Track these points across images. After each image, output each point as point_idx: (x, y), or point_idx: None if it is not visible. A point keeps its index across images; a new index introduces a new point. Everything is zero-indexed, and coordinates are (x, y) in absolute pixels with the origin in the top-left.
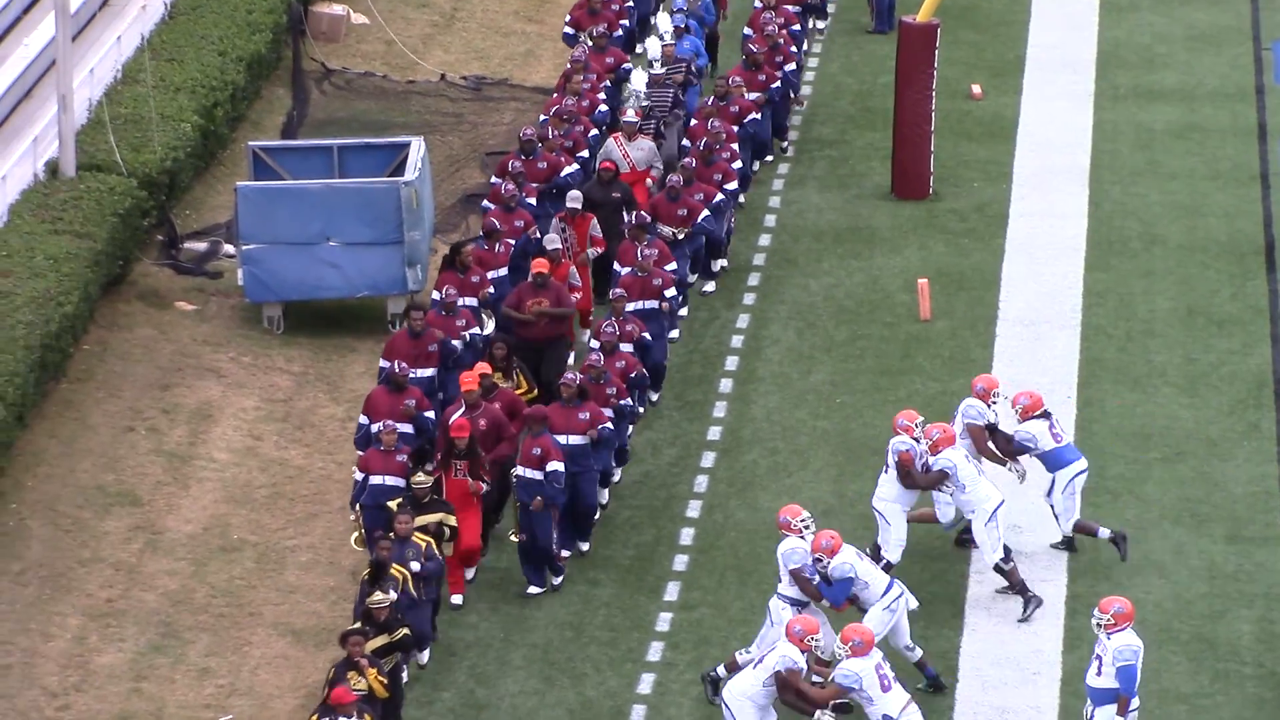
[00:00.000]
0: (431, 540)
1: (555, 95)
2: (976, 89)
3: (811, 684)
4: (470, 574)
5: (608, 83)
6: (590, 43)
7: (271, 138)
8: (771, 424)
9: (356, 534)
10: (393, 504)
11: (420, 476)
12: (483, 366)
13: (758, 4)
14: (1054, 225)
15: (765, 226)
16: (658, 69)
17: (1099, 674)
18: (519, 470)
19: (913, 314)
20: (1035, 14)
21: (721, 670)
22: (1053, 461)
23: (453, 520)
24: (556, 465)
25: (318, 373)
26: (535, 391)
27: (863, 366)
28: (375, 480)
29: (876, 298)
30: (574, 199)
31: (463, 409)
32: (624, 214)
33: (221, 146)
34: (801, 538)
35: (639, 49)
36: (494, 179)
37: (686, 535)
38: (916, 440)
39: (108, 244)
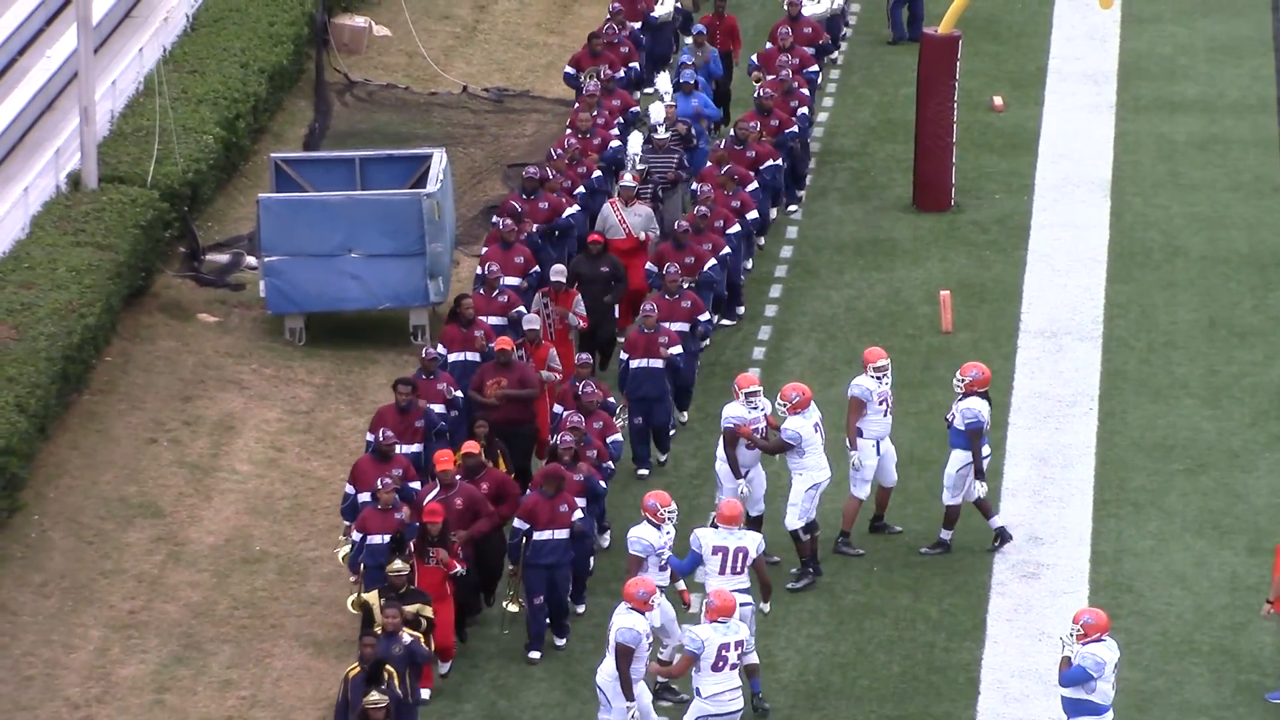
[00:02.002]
0: (420, 635)
1: (566, 134)
2: (998, 100)
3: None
4: (445, 668)
5: (620, 119)
6: (596, 82)
7: (293, 149)
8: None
9: (354, 597)
10: (372, 598)
11: (397, 564)
12: (470, 445)
13: (769, 45)
14: (1075, 237)
15: (787, 238)
16: (661, 133)
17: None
18: (542, 534)
19: (934, 326)
20: (1056, 26)
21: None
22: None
23: (429, 611)
24: (580, 514)
25: (339, 384)
26: (513, 474)
27: None
28: (374, 540)
29: (898, 310)
30: (558, 273)
31: (437, 489)
32: (613, 289)
33: (243, 158)
34: (658, 529)
35: (653, 89)
36: (494, 219)
37: None
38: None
39: (130, 255)
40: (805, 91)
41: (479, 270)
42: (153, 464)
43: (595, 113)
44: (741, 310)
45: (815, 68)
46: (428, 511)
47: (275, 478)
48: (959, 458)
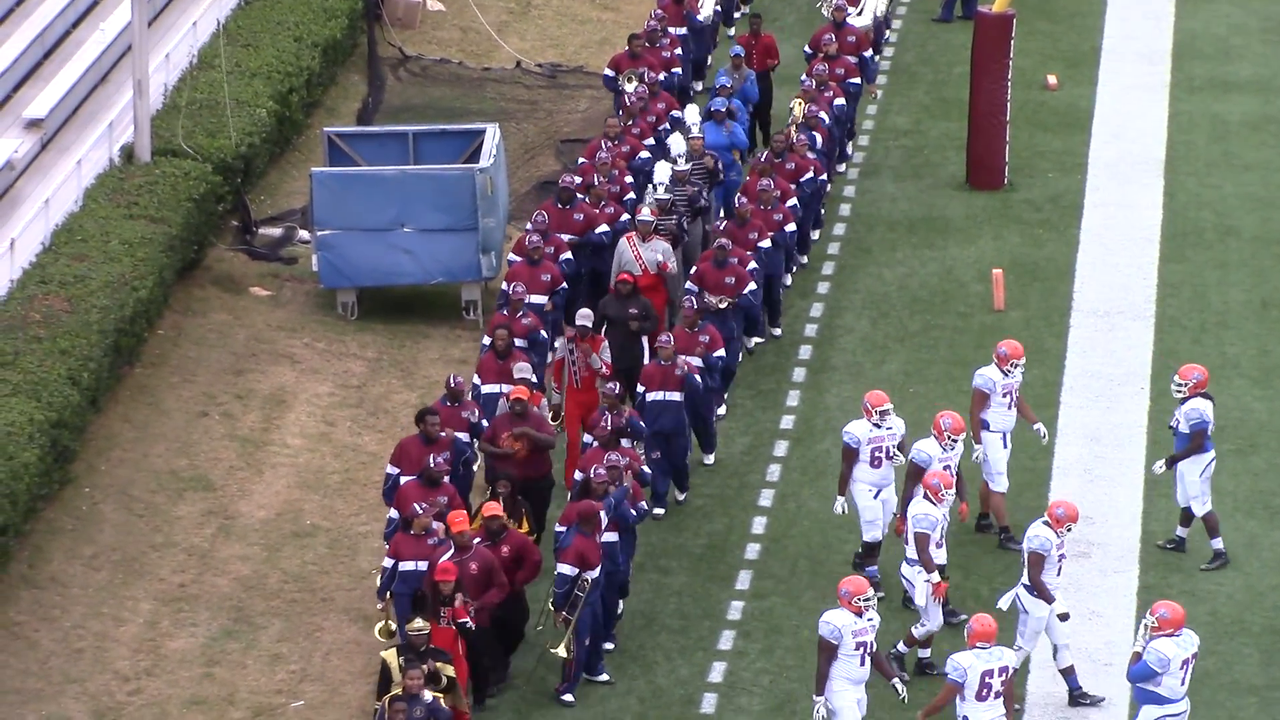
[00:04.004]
0: (441, 696)
1: (595, 139)
2: (1052, 79)
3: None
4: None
5: (666, 125)
6: (636, 86)
7: (347, 124)
8: (844, 413)
9: (382, 624)
10: (391, 658)
11: (418, 623)
12: (492, 507)
13: (807, 49)
14: (1128, 216)
15: (840, 216)
16: (682, 165)
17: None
18: (587, 574)
19: (986, 304)
20: (1111, 4)
21: (902, 646)
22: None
23: (450, 670)
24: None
25: (391, 359)
26: (537, 533)
27: (936, 356)
28: (406, 567)
29: (950, 288)
30: (584, 317)
31: (451, 550)
32: (642, 334)
33: (297, 132)
34: (858, 616)
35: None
36: (527, 228)
37: (759, 524)
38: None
39: (183, 229)
40: (841, 101)
41: (504, 287)
42: (204, 437)
43: (633, 121)
44: (778, 332)
45: (857, 79)
46: (440, 570)
47: (326, 452)
48: (1197, 463)
